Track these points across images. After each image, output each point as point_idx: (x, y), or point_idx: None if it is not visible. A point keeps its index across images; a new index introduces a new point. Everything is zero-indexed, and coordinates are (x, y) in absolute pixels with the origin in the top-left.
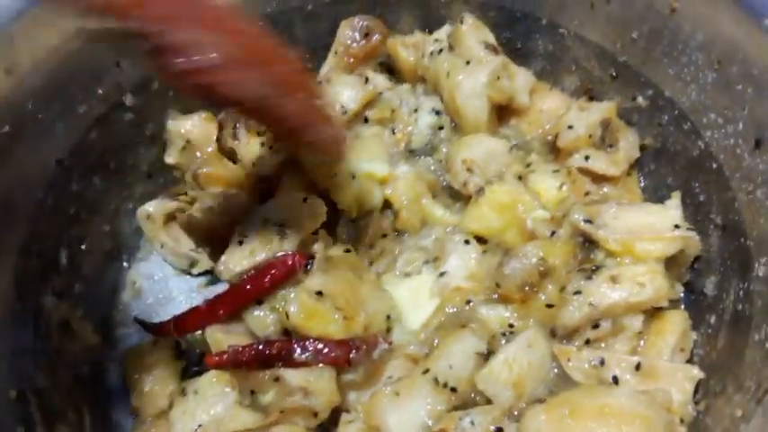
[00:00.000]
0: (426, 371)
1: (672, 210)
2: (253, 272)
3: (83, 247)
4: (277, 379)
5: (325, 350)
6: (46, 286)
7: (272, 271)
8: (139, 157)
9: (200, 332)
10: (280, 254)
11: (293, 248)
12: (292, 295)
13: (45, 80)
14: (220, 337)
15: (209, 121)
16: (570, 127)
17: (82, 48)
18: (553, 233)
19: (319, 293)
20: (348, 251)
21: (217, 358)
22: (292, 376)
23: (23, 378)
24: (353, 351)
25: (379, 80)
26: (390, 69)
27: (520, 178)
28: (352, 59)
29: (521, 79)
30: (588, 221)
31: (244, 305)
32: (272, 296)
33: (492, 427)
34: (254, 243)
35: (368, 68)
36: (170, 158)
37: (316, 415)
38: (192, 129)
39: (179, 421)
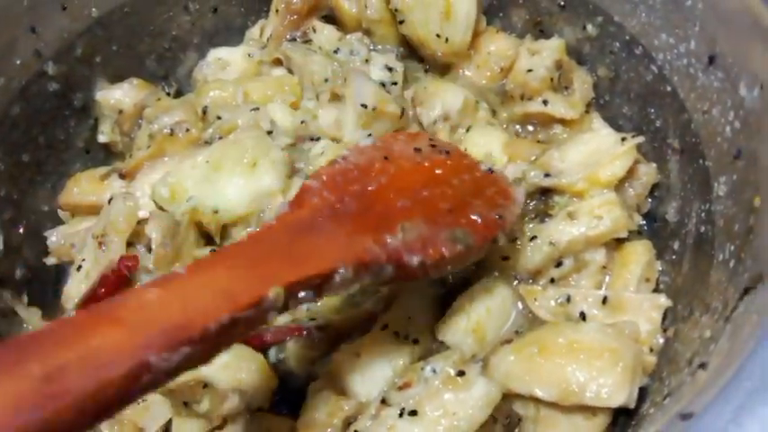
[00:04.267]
0: (385, 326)
1: (603, 129)
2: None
3: (20, 230)
4: (205, 385)
5: None
6: None
7: (104, 285)
8: (71, 131)
9: None
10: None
11: (118, 256)
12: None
13: None
14: None
15: (142, 89)
16: (530, 71)
17: None
18: None
19: None
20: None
21: None
22: (219, 380)
23: None
24: None
25: (328, 31)
26: (335, 23)
27: (468, 130)
28: (295, 16)
29: None
30: (547, 175)
31: None
32: None
33: (452, 371)
34: (87, 265)
35: (313, 23)
36: (103, 137)
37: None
38: (122, 98)
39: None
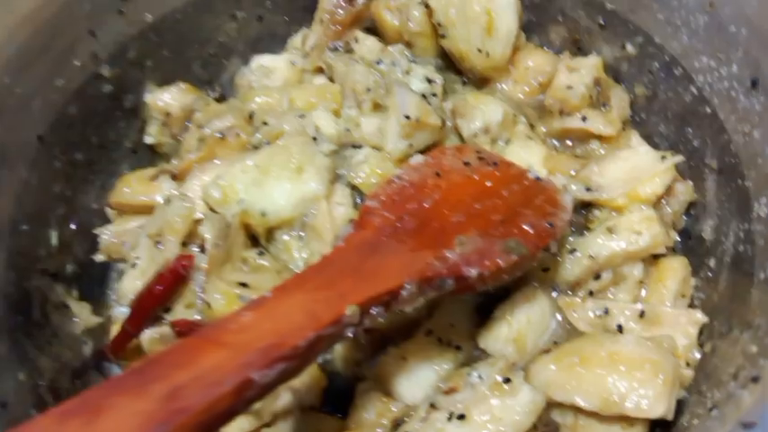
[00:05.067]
0: (429, 332)
1: (641, 147)
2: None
3: (72, 226)
4: None
5: None
6: (38, 267)
7: (160, 282)
8: (121, 132)
9: None
10: (164, 264)
11: (174, 255)
12: (210, 286)
13: (20, 51)
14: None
15: (189, 93)
16: (570, 87)
17: (54, 15)
18: None
19: (243, 285)
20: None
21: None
22: None
23: (25, 360)
24: None
25: (370, 42)
26: (376, 35)
27: (507, 143)
28: (338, 26)
29: None
30: (588, 189)
31: (148, 319)
32: (180, 296)
33: (499, 378)
34: (142, 263)
35: (355, 33)
36: (150, 138)
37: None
38: (171, 101)
39: None
